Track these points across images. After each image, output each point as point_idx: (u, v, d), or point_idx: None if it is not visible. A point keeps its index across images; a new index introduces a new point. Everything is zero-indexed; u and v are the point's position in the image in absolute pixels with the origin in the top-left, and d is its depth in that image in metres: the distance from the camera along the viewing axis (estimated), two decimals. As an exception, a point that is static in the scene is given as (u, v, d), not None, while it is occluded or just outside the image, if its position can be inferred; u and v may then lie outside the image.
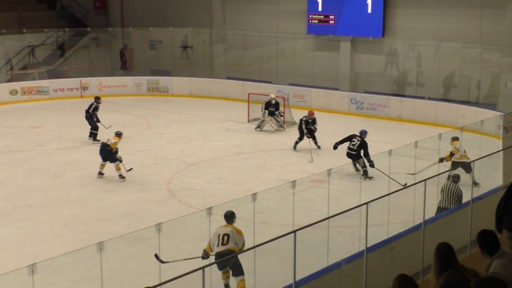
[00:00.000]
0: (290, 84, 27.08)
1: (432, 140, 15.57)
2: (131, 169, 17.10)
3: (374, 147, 19.27)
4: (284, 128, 22.17)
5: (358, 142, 16.95)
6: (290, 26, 28.04)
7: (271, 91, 25.08)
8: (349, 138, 17.28)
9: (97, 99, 21.14)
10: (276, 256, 11.16)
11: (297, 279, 8.38)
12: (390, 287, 5.24)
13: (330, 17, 26.90)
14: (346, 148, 17.18)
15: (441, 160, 15.90)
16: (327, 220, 9.53)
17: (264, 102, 22.36)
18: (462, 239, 10.57)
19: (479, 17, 23.38)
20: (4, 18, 30.34)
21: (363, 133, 17.24)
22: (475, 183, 14.10)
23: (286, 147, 20.00)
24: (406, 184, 14.15)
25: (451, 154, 15.91)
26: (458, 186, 12.27)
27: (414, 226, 10.59)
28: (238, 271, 10.15)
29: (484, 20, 23.34)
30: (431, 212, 11.02)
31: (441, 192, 12.38)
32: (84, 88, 28.31)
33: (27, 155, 19.18)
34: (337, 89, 26.35)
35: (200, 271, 7.02)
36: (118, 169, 16.68)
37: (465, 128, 17.59)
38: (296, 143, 19.83)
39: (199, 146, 20.22)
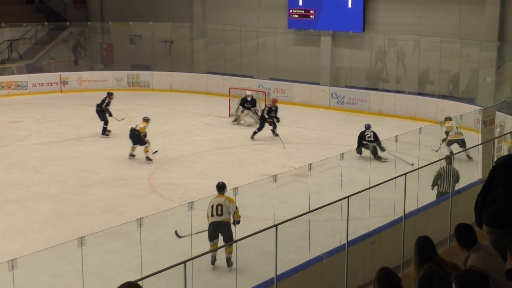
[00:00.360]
0: (271, 79, 27.10)
1: (413, 134, 15.68)
2: (156, 151, 18.10)
3: (355, 141, 19.38)
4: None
5: (371, 133, 18.20)
6: (271, 21, 28.03)
7: (252, 86, 25.14)
8: (361, 136, 18.27)
9: (110, 94, 21.27)
10: (257, 250, 11.20)
11: (278, 273, 8.41)
12: (372, 280, 5.26)
13: (311, 11, 26.92)
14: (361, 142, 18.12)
15: (444, 140, 17.55)
16: (308, 214, 9.55)
17: (240, 98, 22.43)
18: (442, 232, 10.66)
19: (459, 13, 23.54)
20: (-19, 13, 30.03)
21: (370, 126, 18.57)
22: (468, 157, 16.40)
23: (267, 142, 20.01)
24: (413, 164, 15.55)
25: (446, 133, 17.51)
26: (453, 167, 12.53)
27: (395, 220, 10.66)
28: (229, 240, 10.98)
29: (463, 15, 23.51)
30: (411, 206, 11.09)
31: (436, 178, 12.60)
32: (64, 82, 28.10)
33: (6, 150, 19.02)
34: (318, 84, 26.40)
35: (182, 265, 7.01)
36: (146, 151, 17.71)
37: (445, 122, 17.75)
38: (255, 133, 20.28)
39: (180, 141, 20.18)
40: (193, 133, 21.28)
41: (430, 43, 24.09)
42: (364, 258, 9.82)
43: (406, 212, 10.15)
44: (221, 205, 11.11)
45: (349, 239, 9.31)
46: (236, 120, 22.36)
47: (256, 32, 28.10)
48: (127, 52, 31.33)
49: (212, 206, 11.11)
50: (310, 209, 9.80)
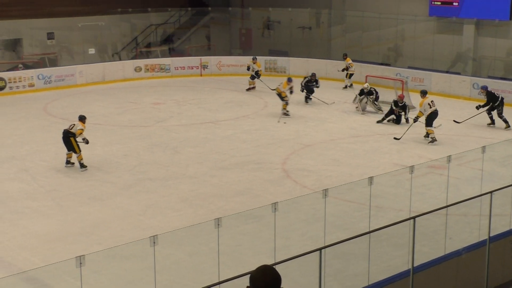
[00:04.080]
0: (409, 67, 26.51)
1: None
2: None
3: (496, 135, 18.68)
4: (382, 111, 21.74)
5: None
6: (411, 8, 27.37)
7: (390, 74, 24.74)
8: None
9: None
10: (389, 242, 11.04)
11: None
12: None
13: (454, -2, 26.04)
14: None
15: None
16: (446, 208, 9.30)
17: (360, 89, 22.50)
18: None
19: None
20: (130, -3, 31.47)
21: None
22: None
23: (402, 131, 19.62)
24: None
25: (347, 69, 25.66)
26: None
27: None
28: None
29: None
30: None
31: None
32: (204, 66, 28.94)
33: (148, 130, 19.87)
34: (459, 74, 25.53)
35: (317, 252, 7.05)
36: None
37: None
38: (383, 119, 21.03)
39: (315, 128, 20.20)
40: (327, 120, 21.24)
41: None
42: (503, 257, 9.44)
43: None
44: (432, 101, 18.50)
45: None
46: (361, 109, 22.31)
47: (396, 20, 27.55)
48: (265, 37, 31.77)
49: (427, 104, 18.51)
50: (448, 203, 9.54)
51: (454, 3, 26.03)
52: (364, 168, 16.03)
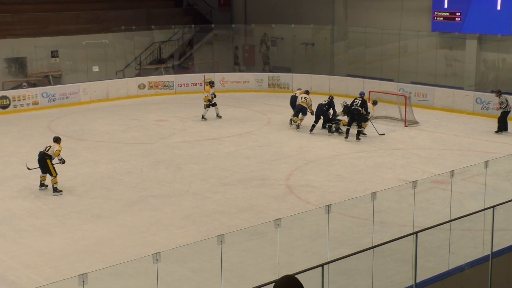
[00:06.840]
0: (412, 83, 26.54)
1: None
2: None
3: (500, 149, 18.64)
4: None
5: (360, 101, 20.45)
6: (414, 24, 27.47)
7: (393, 89, 24.77)
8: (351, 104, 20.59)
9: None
10: (393, 257, 11.01)
11: (417, 281, 8.23)
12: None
13: (457, 14, 26.11)
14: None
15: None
16: (449, 222, 9.29)
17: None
18: None
19: None
20: (134, 15, 31.65)
21: (363, 94, 21.26)
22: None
23: (407, 146, 19.64)
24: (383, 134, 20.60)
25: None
26: None
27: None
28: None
29: None
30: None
31: None
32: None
33: (152, 147, 19.89)
34: (462, 88, 25.55)
35: (320, 268, 7.04)
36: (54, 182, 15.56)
37: None
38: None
39: (318, 143, 20.20)
40: (331, 135, 21.22)
41: None
42: (508, 272, 9.41)
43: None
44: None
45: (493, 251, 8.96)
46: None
47: (398, 35, 27.64)
48: (263, 53, 31.95)
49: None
50: (451, 218, 9.53)
51: (457, 19, 26.13)
52: (367, 183, 16.01)
